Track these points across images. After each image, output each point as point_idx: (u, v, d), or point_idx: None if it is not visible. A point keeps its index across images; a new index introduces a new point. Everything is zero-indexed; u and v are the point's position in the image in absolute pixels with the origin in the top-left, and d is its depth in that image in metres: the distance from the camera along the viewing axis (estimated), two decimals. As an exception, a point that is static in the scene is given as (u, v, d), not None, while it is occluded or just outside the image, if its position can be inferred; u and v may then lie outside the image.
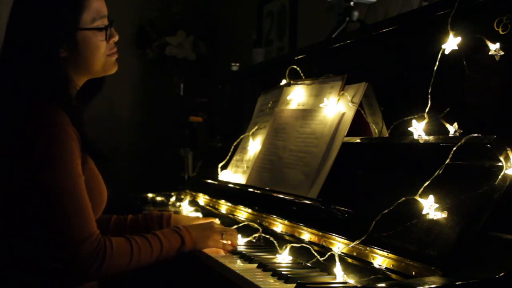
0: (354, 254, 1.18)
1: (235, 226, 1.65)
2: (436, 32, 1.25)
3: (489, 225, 0.99)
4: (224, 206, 1.93)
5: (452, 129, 1.18)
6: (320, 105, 1.55)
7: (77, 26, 1.36)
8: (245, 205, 1.76)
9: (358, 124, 1.47)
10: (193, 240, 1.45)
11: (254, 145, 1.86)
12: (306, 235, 1.38)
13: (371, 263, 1.13)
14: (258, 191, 1.70)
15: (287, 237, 1.47)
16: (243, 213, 1.77)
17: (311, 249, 1.30)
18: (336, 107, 1.51)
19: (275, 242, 1.45)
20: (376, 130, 1.48)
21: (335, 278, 1.19)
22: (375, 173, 1.34)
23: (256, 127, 1.91)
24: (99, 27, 1.40)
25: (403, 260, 1.05)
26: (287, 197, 1.54)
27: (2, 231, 1.31)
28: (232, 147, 1.98)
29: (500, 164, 1.02)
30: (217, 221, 1.80)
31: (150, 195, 2.62)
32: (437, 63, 1.21)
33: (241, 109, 2.63)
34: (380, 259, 1.11)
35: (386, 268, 1.09)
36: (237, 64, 3.02)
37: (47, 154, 1.26)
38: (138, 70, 4.46)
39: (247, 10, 4.02)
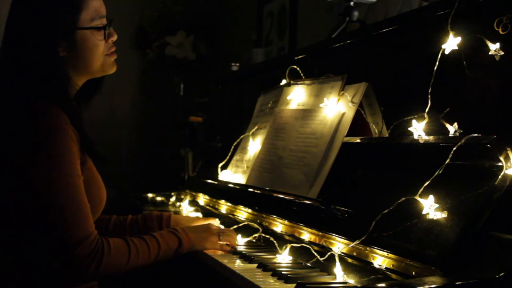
0: (354, 254, 1.18)
1: (235, 226, 1.65)
2: (436, 32, 1.25)
3: (489, 225, 0.99)
4: (224, 206, 1.93)
5: (452, 129, 1.18)
6: (320, 105, 1.55)
7: (76, 26, 1.37)
8: (245, 205, 1.76)
9: (358, 124, 1.47)
10: (190, 242, 1.46)
11: (254, 145, 1.86)
12: (306, 235, 1.38)
13: (371, 263, 1.13)
14: (258, 191, 1.70)
15: (287, 237, 1.47)
16: (243, 213, 1.77)
17: (311, 249, 1.30)
18: (336, 107, 1.51)
19: (275, 242, 1.45)
20: (376, 130, 1.48)
21: (335, 278, 1.19)
22: (375, 173, 1.34)
23: (256, 127, 1.91)
24: (97, 26, 1.40)
25: (403, 260, 1.05)
26: (287, 197, 1.54)
27: (1, 231, 1.31)
28: (232, 147, 1.98)
29: (500, 164, 1.02)
30: (217, 221, 1.80)
31: (150, 195, 2.62)
32: (437, 63, 1.21)
33: (241, 109, 2.63)
34: (380, 259, 1.11)
35: (386, 268, 1.09)
36: (237, 64, 3.02)
37: (46, 155, 1.25)
38: (138, 70, 4.46)
39: (247, 10, 4.02)
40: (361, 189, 1.35)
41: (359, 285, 1.15)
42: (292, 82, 1.79)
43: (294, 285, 1.14)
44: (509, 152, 1.02)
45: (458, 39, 1.20)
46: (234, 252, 1.50)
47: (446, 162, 1.08)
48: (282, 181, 1.59)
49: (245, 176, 1.81)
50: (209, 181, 2.15)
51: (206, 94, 4.17)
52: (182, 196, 2.39)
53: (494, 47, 1.15)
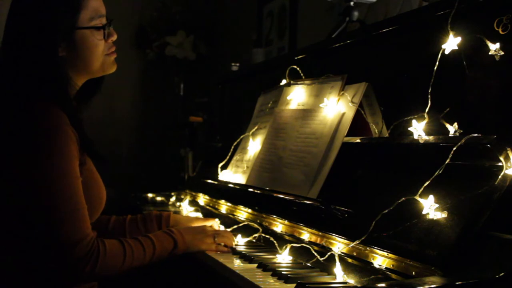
0: (354, 254, 1.18)
1: (235, 226, 1.65)
2: (436, 32, 1.25)
3: (489, 225, 0.99)
4: (224, 206, 1.93)
5: (452, 129, 1.18)
6: (320, 105, 1.55)
7: (75, 25, 1.37)
8: (245, 205, 1.76)
9: (358, 124, 1.47)
10: (185, 243, 1.46)
11: (254, 145, 1.86)
12: (306, 235, 1.38)
13: (371, 263, 1.13)
14: (258, 191, 1.70)
15: (287, 237, 1.47)
16: (243, 213, 1.77)
17: (311, 249, 1.30)
18: (336, 107, 1.51)
19: (275, 242, 1.45)
20: (376, 130, 1.48)
21: (335, 278, 1.19)
22: (375, 173, 1.34)
23: (256, 127, 1.91)
24: (97, 26, 1.40)
25: (403, 260, 1.05)
26: (287, 197, 1.54)
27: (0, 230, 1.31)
28: (232, 147, 1.98)
29: (500, 164, 1.02)
30: (217, 221, 1.80)
31: (150, 195, 2.62)
32: (437, 63, 1.21)
33: (241, 109, 2.63)
34: (380, 259, 1.11)
35: (386, 268, 1.09)
36: (237, 64, 3.02)
37: (45, 155, 1.25)
38: (138, 70, 4.46)
39: (247, 10, 4.02)
40: (361, 189, 1.35)
41: (359, 285, 1.15)
42: (292, 82, 1.79)
43: (294, 285, 1.14)
44: (509, 152, 1.02)
45: (458, 39, 1.20)
46: (234, 252, 1.50)
47: (446, 162, 1.08)
48: (282, 181, 1.59)
49: (245, 176, 1.81)
50: (209, 181, 2.15)
51: (206, 94, 4.17)
52: (182, 196, 2.39)
53: (494, 47, 1.15)
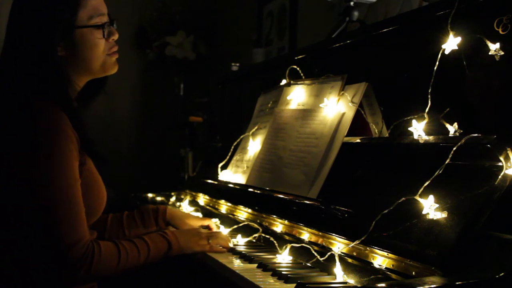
0: (354, 254, 1.18)
1: (235, 226, 1.65)
2: (436, 32, 1.25)
3: (489, 225, 0.99)
4: (224, 206, 1.93)
5: (452, 129, 1.18)
6: (320, 105, 1.55)
7: (74, 24, 1.36)
8: (245, 205, 1.76)
9: (358, 124, 1.47)
10: (180, 245, 1.47)
11: (254, 145, 1.86)
12: (306, 235, 1.38)
13: (371, 263, 1.13)
14: (258, 191, 1.70)
15: (287, 237, 1.47)
16: (243, 213, 1.77)
17: (311, 249, 1.30)
18: (336, 107, 1.51)
19: (275, 242, 1.45)
20: (376, 130, 1.48)
21: (335, 278, 1.19)
22: (375, 173, 1.34)
23: (256, 127, 1.91)
24: (96, 24, 1.39)
25: (403, 260, 1.05)
26: (287, 197, 1.54)
27: None
28: (232, 147, 1.98)
29: (500, 164, 1.02)
30: (213, 221, 1.81)
31: (150, 195, 2.61)
32: (437, 63, 1.21)
33: (241, 109, 2.63)
34: (380, 259, 1.11)
35: (386, 268, 1.09)
36: (237, 64, 3.02)
37: (43, 155, 1.25)
38: (138, 70, 4.46)
39: (247, 10, 4.02)
40: (361, 189, 1.35)
41: (359, 285, 1.15)
42: (292, 82, 1.79)
43: (294, 285, 1.14)
44: (509, 152, 1.02)
45: (458, 39, 1.20)
46: (234, 252, 1.50)
47: (446, 162, 1.08)
48: (282, 181, 1.59)
49: (245, 176, 1.81)
50: (209, 181, 2.15)
51: (206, 94, 4.17)
52: (182, 196, 2.39)
53: (494, 47, 1.15)
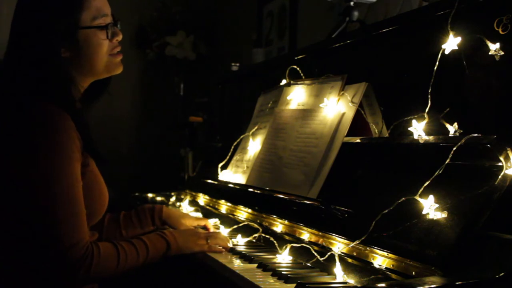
0: (354, 254, 1.18)
1: (235, 226, 1.65)
2: (436, 32, 1.25)
3: (489, 225, 0.99)
4: (224, 206, 1.93)
5: (452, 129, 1.18)
6: (320, 105, 1.55)
7: (77, 25, 1.36)
8: (245, 205, 1.76)
9: (358, 124, 1.47)
10: (178, 245, 1.47)
11: (254, 145, 1.86)
12: (306, 235, 1.38)
13: (371, 263, 1.13)
14: (258, 191, 1.70)
15: (287, 237, 1.47)
16: (243, 213, 1.77)
17: (311, 249, 1.30)
18: (336, 107, 1.51)
19: (275, 242, 1.45)
20: (376, 130, 1.48)
21: (335, 278, 1.19)
22: (375, 173, 1.34)
23: (256, 127, 1.91)
24: (100, 25, 1.39)
25: (403, 260, 1.05)
26: (287, 197, 1.54)
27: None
28: (232, 147, 1.98)
29: (500, 164, 1.02)
30: (212, 221, 1.81)
31: (150, 195, 2.61)
32: (437, 63, 1.21)
33: (241, 109, 2.63)
34: (380, 259, 1.11)
35: (386, 268, 1.09)
36: (237, 64, 3.02)
37: (46, 156, 1.25)
38: (138, 70, 4.46)
39: (247, 10, 4.02)
40: (361, 189, 1.35)
41: (359, 285, 1.15)
42: (292, 82, 1.79)
43: (294, 285, 1.14)
44: (509, 152, 1.02)
45: (458, 39, 1.20)
46: (234, 252, 1.50)
47: (446, 162, 1.08)
48: (282, 181, 1.59)
49: (245, 176, 1.81)
50: (209, 181, 2.15)
51: (206, 94, 4.17)
52: (182, 196, 2.39)
53: (494, 47, 1.15)
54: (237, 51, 4.05)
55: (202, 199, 2.18)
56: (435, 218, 1.04)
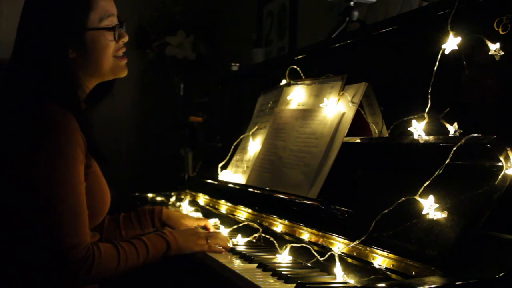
0: (354, 254, 1.18)
1: (235, 226, 1.65)
2: (436, 32, 1.25)
3: (489, 225, 0.99)
4: (224, 206, 1.93)
5: (452, 129, 1.18)
6: (320, 105, 1.55)
7: (85, 27, 1.36)
8: (245, 205, 1.76)
9: (358, 124, 1.47)
10: (178, 245, 1.47)
11: (254, 145, 1.86)
12: (306, 235, 1.38)
13: (371, 263, 1.13)
14: (258, 191, 1.70)
15: (287, 237, 1.47)
16: (243, 213, 1.77)
17: (311, 249, 1.30)
18: (336, 107, 1.51)
19: (275, 242, 1.45)
20: (376, 130, 1.48)
21: (335, 278, 1.19)
22: (375, 173, 1.34)
23: (256, 127, 1.91)
24: (107, 26, 1.39)
25: (403, 260, 1.05)
26: (287, 197, 1.54)
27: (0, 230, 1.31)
28: (232, 147, 1.98)
29: (500, 164, 1.02)
30: (211, 221, 1.81)
31: (150, 195, 2.61)
32: (437, 63, 1.21)
33: (241, 109, 2.63)
34: (380, 259, 1.11)
35: (386, 268, 1.09)
36: (237, 64, 3.02)
37: (47, 158, 1.25)
38: (138, 70, 4.46)
39: (247, 10, 4.02)
40: (361, 189, 1.35)
41: (359, 285, 1.15)
42: (292, 82, 1.79)
43: (294, 285, 1.14)
44: (509, 152, 1.02)
45: (458, 39, 1.20)
46: (234, 252, 1.50)
47: (446, 162, 1.08)
48: (282, 181, 1.59)
49: (245, 176, 1.81)
50: (209, 181, 2.15)
51: (206, 94, 4.17)
52: (182, 196, 2.39)
53: (494, 47, 1.15)
54: (237, 51, 4.05)
55: (202, 199, 2.18)
56: (435, 218, 1.04)
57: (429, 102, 1.21)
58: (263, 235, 1.54)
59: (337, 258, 1.19)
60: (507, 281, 0.90)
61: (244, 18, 4.10)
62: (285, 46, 3.42)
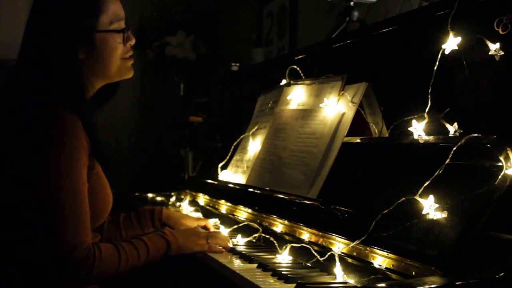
0: (354, 254, 1.18)
1: (235, 226, 1.65)
2: (436, 32, 1.25)
3: (489, 225, 0.99)
4: (224, 206, 1.93)
5: (452, 129, 1.18)
6: (320, 105, 1.55)
7: (95, 29, 1.37)
8: (245, 205, 1.76)
9: (358, 124, 1.47)
10: (178, 245, 1.47)
11: (254, 145, 1.86)
12: (306, 235, 1.38)
13: (371, 263, 1.13)
14: (258, 191, 1.70)
15: (287, 237, 1.47)
16: (243, 213, 1.77)
17: (311, 249, 1.30)
18: (336, 107, 1.51)
19: (275, 242, 1.45)
20: (376, 130, 1.48)
21: (335, 278, 1.19)
22: (375, 173, 1.34)
23: (256, 127, 1.91)
24: (116, 29, 1.41)
25: (403, 260, 1.05)
26: (287, 197, 1.54)
27: (1, 230, 1.31)
28: (232, 147, 1.98)
29: (500, 164, 1.02)
30: (212, 221, 1.81)
31: (150, 195, 2.61)
32: (437, 63, 1.21)
33: (241, 109, 2.63)
34: (380, 259, 1.11)
35: (386, 268, 1.09)
36: (237, 64, 3.02)
37: (50, 158, 1.25)
38: (138, 70, 4.41)
39: (247, 10, 4.02)
40: (361, 189, 1.35)
41: (359, 285, 1.15)
42: (292, 82, 1.79)
43: (294, 285, 1.14)
44: (509, 152, 1.02)
45: (458, 39, 1.20)
46: (234, 252, 1.50)
47: (446, 162, 1.08)
48: (282, 181, 1.59)
49: (245, 176, 1.81)
50: (209, 181, 2.15)
51: (206, 94, 4.17)
52: (182, 196, 2.39)
53: (494, 47, 1.15)
54: (237, 51, 4.05)
55: (202, 199, 2.18)
56: (435, 218, 1.04)
57: (429, 102, 1.21)
58: (263, 235, 1.54)
59: (337, 258, 1.19)
60: (507, 281, 0.90)
61: (244, 18, 4.10)
62: (285, 46, 3.42)
